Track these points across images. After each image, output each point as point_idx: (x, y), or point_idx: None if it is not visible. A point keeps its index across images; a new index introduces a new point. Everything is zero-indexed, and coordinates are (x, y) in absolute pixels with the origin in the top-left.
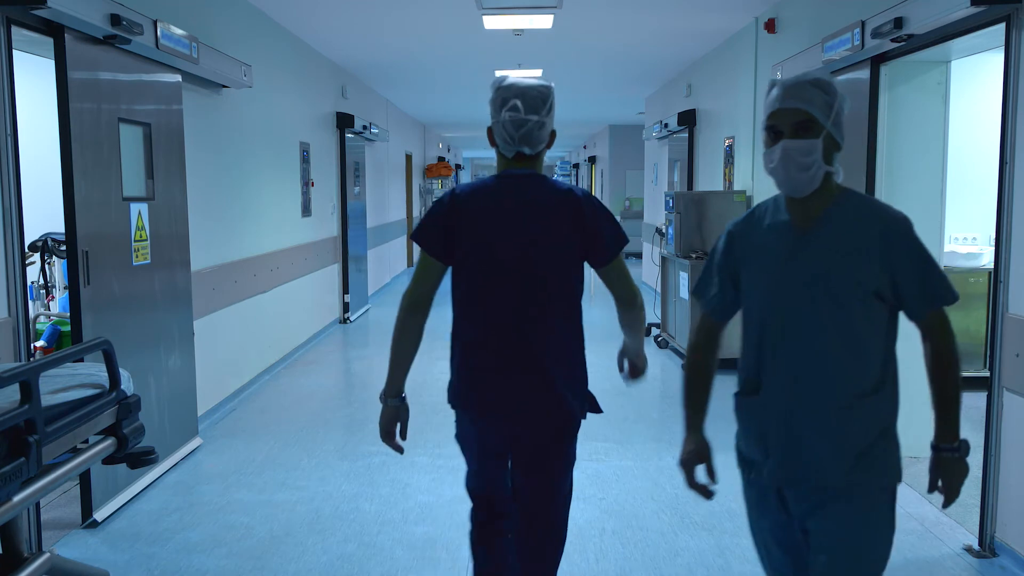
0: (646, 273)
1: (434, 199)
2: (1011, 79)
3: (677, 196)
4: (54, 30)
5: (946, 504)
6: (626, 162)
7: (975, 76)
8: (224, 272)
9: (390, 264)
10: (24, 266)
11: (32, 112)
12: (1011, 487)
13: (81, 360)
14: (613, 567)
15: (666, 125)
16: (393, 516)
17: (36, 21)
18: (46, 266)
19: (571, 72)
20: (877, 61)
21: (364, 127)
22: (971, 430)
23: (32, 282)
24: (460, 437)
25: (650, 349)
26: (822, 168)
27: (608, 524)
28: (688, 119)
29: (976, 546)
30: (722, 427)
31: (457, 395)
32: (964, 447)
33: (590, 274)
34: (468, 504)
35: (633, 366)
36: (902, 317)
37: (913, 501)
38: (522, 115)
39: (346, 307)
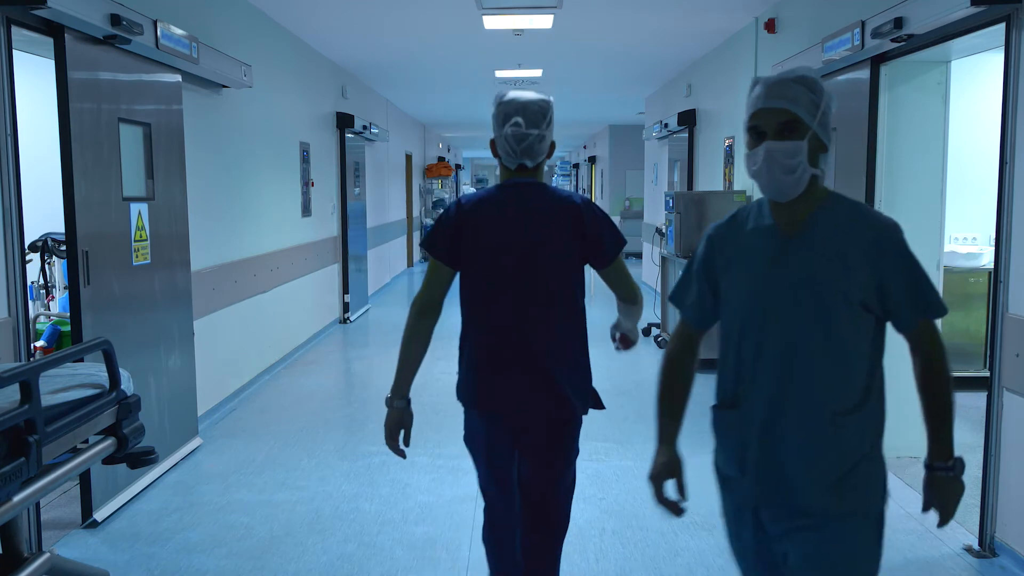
0: (646, 273)
1: (434, 199)
2: (1011, 79)
3: (677, 196)
4: (54, 30)
5: (941, 524)
6: (626, 162)
7: (975, 76)
8: (224, 272)
9: (390, 264)
10: (24, 266)
11: (32, 112)
12: (1011, 487)
13: (81, 360)
14: (613, 567)
15: (666, 125)
16: (393, 516)
17: (36, 21)
18: (46, 266)
19: (571, 72)
20: (877, 61)
21: (364, 127)
22: (971, 430)
23: (32, 282)
24: (468, 438)
25: (650, 349)
26: (808, 171)
27: (608, 524)
28: (688, 119)
29: (976, 546)
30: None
31: (465, 393)
32: (959, 465)
33: (591, 275)
34: (468, 504)
35: (625, 337)
36: (890, 330)
37: (913, 501)
38: (523, 130)
39: (346, 307)
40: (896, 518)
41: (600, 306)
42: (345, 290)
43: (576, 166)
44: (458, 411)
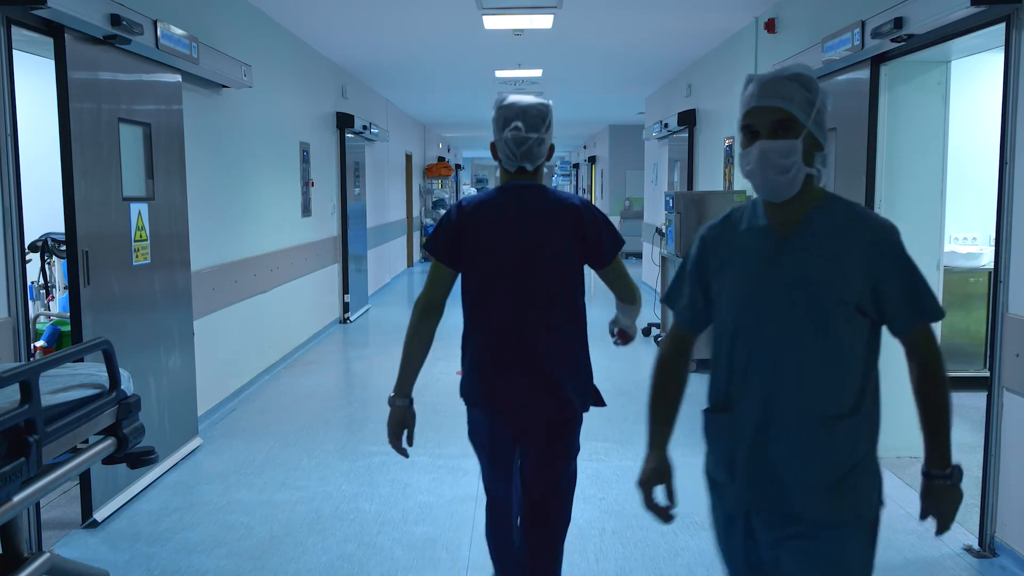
0: (646, 273)
1: (434, 199)
2: (1011, 79)
3: (677, 196)
4: (54, 30)
5: (939, 532)
6: (626, 162)
7: (975, 76)
8: (224, 272)
9: (390, 264)
10: (24, 266)
11: (32, 112)
12: (1011, 487)
13: (81, 360)
14: (613, 567)
15: (666, 125)
16: (393, 516)
17: (36, 21)
18: (46, 266)
19: (571, 72)
20: (877, 61)
21: (364, 127)
22: (971, 430)
23: (32, 282)
24: (472, 434)
25: (650, 348)
26: (802, 170)
27: (608, 524)
28: (688, 119)
29: (976, 546)
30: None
31: (468, 392)
32: (956, 473)
33: (591, 275)
34: (468, 504)
35: (624, 333)
36: (886, 335)
37: (913, 501)
38: (523, 134)
39: (346, 307)
40: (896, 518)
41: (600, 306)
42: (345, 290)
43: (576, 166)
44: (458, 411)
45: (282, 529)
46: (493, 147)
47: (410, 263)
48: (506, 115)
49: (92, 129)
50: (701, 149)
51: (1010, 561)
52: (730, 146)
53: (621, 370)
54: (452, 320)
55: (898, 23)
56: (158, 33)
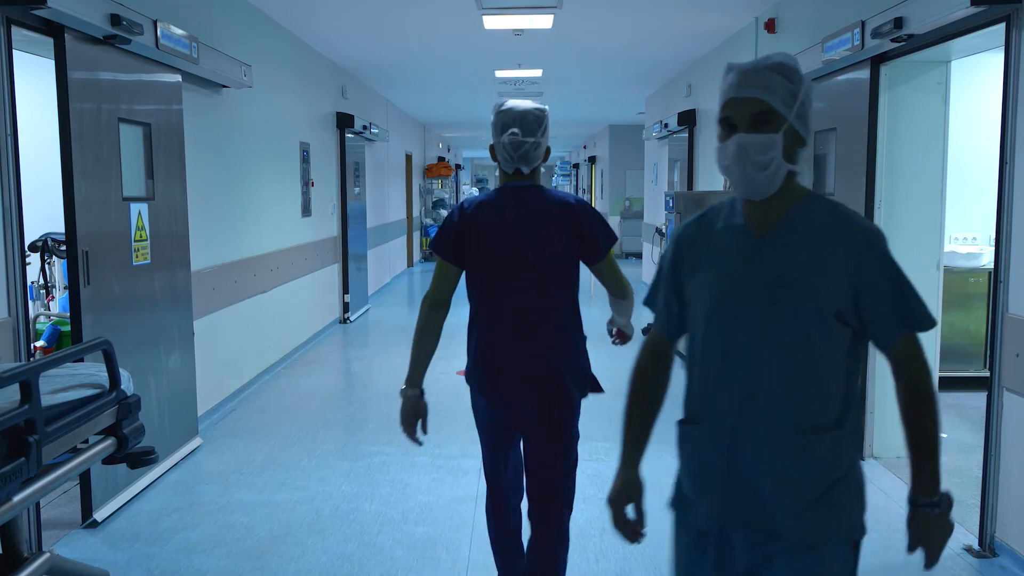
0: (646, 273)
1: (434, 199)
2: (1011, 79)
3: (677, 196)
4: (54, 30)
5: (928, 565)
6: (626, 162)
7: (975, 76)
8: (224, 272)
9: (390, 264)
10: (24, 266)
11: (32, 112)
12: (1011, 487)
13: (81, 360)
14: (613, 567)
15: (666, 125)
16: (393, 516)
17: (36, 21)
18: (46, 266)
19: (571, 72)
20: (877, 61)
21: (364, 127)
22: (971, 430)
23: (32, 282)
24: (476, 419)
25: None
26: (782, 167)
27: (608, 524)
28: (688, 119)
29: (976, 546)
30: None
31: (473, 378)
32: (945, 502)
33: (592, 280)
34: (468, 504)
35: (621, 332)
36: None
37: None
38: (520, 138)
39: (346, 307)
40: (896, 518)
41: (600, 306)
42: (345, 290)
43: (576, 166)
44: (458, 411)
45: (282, 529)
46: (492, 149)
47: (410, 263)
48: (504, 120)
49: (92, 129)
50: (701, 149)
51: (1010, 561)
52: None
53: (621, 370)
54: (452, 319)
55: (898, 23)
56: (158, 33)
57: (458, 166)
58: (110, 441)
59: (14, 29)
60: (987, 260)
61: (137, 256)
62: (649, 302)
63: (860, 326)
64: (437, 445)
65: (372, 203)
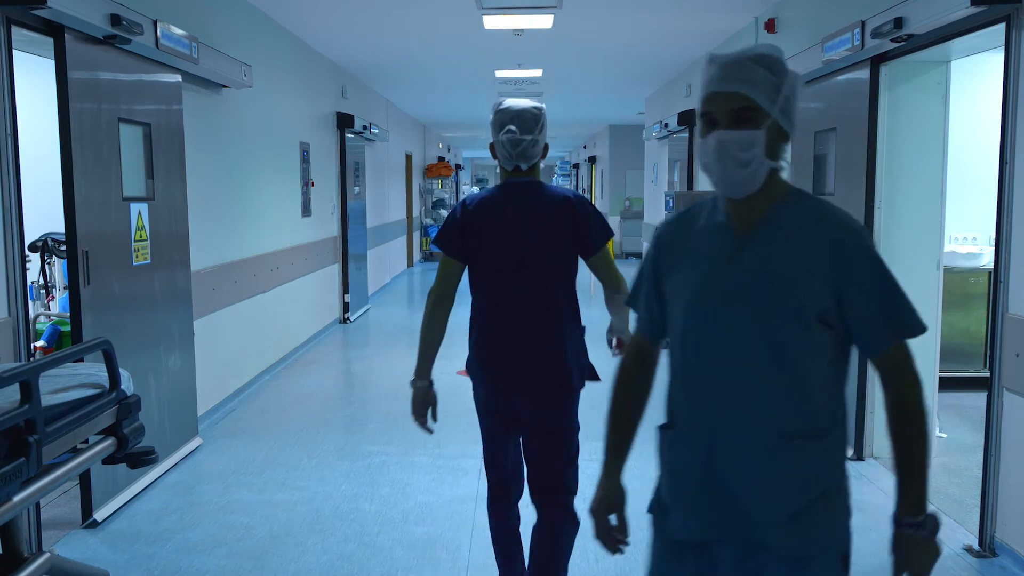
0: None
1: (434, 199)
2: (1011, 79)
3: (677, 196)
4: (54, 30)
5: None
6: (626, 162)
7: (975, 76)
8: (224, 272)
9: (390, 264)
10: (24, 266)
11: (32, 112)
12: (1011, 487)
13: (81, 360)
14: (613, 567)
15: (666, 125)
16: (393, 516)
17: (36, 21)
18: (46, 266)
19: (571, 72)
20: (877, 61)
21: (364, 127)
22: (971, 430)
23: (32, 282)
24: (477, 409)
25: None
26: (764, 164)
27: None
28: (688, 119)
29: (976, 546)
30: None
31: (473, 370)
32: (930, 523)
33: (593, 280)
34: (468, 504)
35: (620, 341)
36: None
37: None
38: (518, 136)
39: (346, 307)
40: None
41: (600, 307)
42: (345, 290)
43: (576, 166)
44: (457, 411)
45: (282, 529)
46: (492, 148)
47: (410, 263)
48: (502, 119)
49: (92, 129)
50: None
51: (1010, 561)
52: None
53: None
54: (451, 319)
55: (898, 23)
56: (158, 33)
57: (458, 166)
58: (110, 441)
59: (14, 29)
60: (987, 260)
61: (137, 256)
62: (632, 302)
63: (844, 331)
64: (437, 445)
65: (372, 203)
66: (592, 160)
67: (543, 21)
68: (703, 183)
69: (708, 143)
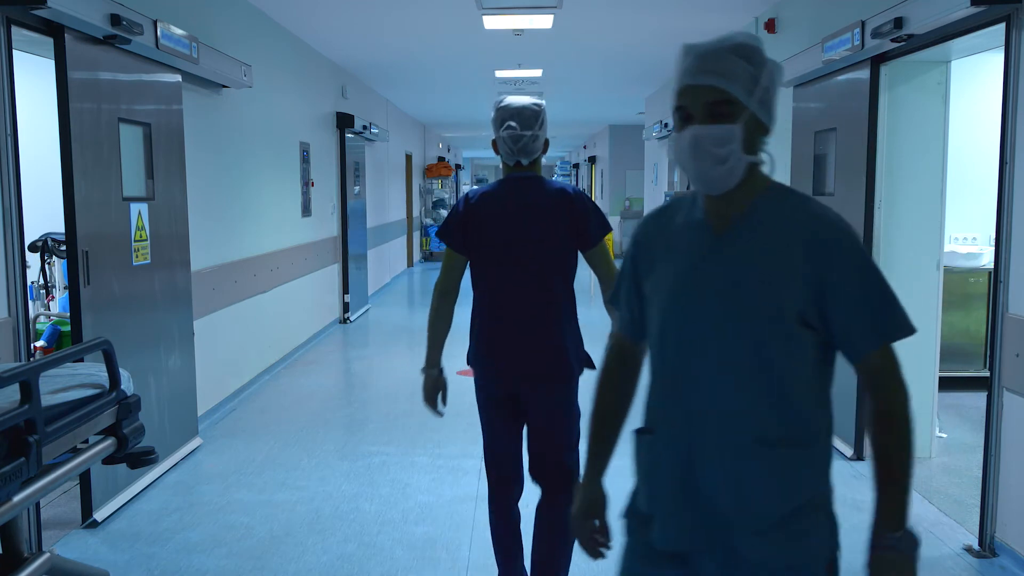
0: None
1: (434, 199)
2: (1011, 79)
3: (677, 196)
4: (54, 30)
5: None
6: (626, 162)
7: (975, 76)
8: (224, 272)
9: (390, 264)
10: (24, 266)
11: (32, 112)
12: (1011, 487)
13: (81, 360)
14: (613, 567)
15: (666, 125)
16: (393, 516)
17: (36, 21)
18: (46, 266)
19: (571, 72)
20: (877, 61)
21: (364, 127)
22: (971, 430)
23: (32, 282)
24: (478, 401)
25: None
26: (742, 160)
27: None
28: None
29: (976, 546)
30: None
31: (474, 362)
32: (907, 540)
33: (593, 281)
34: (468, 504)
35: None
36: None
37: (913, 501)
38: (518, 131)
39: (346, 307)
40: None
41: (599, 307)
42: (345, 290)
43: (576, 166)
44: (458, 411)
45: (282, 529)
46: (494, 144)
47: (410, 263)
48: (503, 115)
49: (92, 129)
50: None
51: (1010, 561)
52: None
53: None
54: (453, 317)
55: (898, 23)
56: (158, 33)
57: (458, 166)
58: (110, 441)
59: (14, 29)
60: (987, 260)
61: (137, 256)
62: (613, 300)
63: (827, 332)
64: (437, 445)
65: (372, 203)
66: (592, 160)
67: (543, 21)
68: None
69: (683, 139)
